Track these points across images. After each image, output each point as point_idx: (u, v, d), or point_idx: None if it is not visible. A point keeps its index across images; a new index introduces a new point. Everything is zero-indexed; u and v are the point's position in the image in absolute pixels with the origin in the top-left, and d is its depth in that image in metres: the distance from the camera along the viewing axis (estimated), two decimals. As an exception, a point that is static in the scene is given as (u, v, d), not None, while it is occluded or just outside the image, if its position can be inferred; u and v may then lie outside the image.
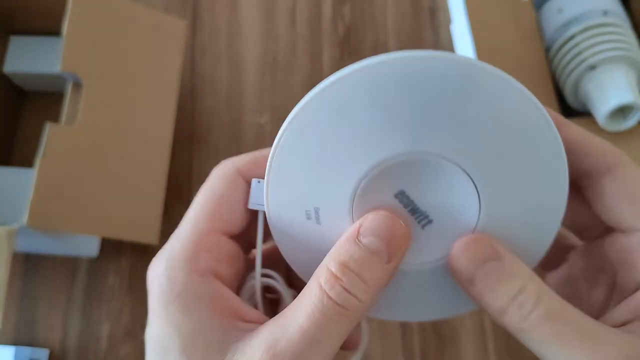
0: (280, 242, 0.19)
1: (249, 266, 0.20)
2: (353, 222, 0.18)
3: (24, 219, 0.35)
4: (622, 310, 0.17)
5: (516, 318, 0.16)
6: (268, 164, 0.18)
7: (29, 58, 0.47)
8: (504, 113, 0.16)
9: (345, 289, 0.16)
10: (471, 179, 0.17)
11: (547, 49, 0.46)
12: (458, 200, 0.17)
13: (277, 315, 0.17)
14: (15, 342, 0.42)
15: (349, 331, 0.17)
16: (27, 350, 0.41)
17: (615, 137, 0.42)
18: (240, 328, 0.17)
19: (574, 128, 0.18)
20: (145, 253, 0.45)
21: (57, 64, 0.39)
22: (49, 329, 0.43)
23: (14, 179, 0.43)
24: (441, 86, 0.16)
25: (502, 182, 0.17)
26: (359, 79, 0.16)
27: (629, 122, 0.41)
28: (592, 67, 0.41)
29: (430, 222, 0.18)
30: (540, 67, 0.44)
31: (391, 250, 0.17)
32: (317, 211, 0.18)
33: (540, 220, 0.18)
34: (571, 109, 0.45)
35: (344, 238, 0.17)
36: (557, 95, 0.44)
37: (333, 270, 0.16)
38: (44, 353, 0.42)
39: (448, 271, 0.18)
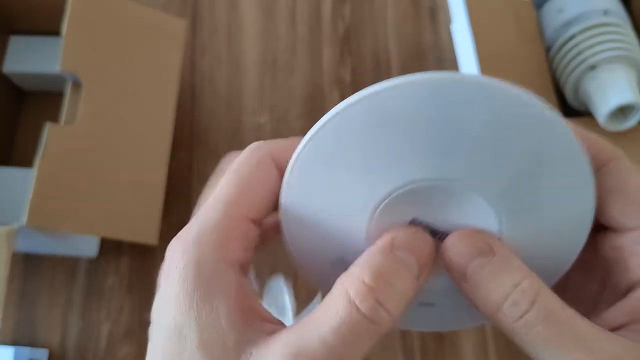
0: (291, 242, 0.19)
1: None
2: (367, 237, 0.18)
3: (24, 219, 0.35)
4: (617, 314, 0.17)
5: (510, 317, 0.15)
6: (290, 164, 0.18)
7: (29, 58, 0.47)
8: (526, 139, 0.16)
9: (378, 301, 0.15)
10: (490, 205, 0.17)
11: (548, 49, 0.46)
12: (476, 222, 0.17)
13: (299, 323, 0.16)
14: (14, 342, 0.42)
15: (373, 347, 0.16)
16: (26, 351, 0.41)
17: (616, 137, 0.42)
18: (258, 328, 0.16)
19: (569, 124, 0.18)
20: (145, 253, 0.45)
21: (57, 64, 0.39)
22: (49, 329, 0.43)
23: (13, 179, 0.43)
24: (465, 110, 0.16)
25: (522, 206, 0.17)
26: (409, 92, 0.16)
27: (630, 122, 0.41)
28: (593, 67, 0.41)
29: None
30: (541, 67, 0.44)
31: (421, 265, 0.16)
32: (332, 220, 0.18)
33: (562, 243, 0.18)
34: (571, 109, 0.45)
35: (375, 249, 0.16)
36: (557, 95, 0.44)
37: (366, 280, 0.15)
38: (43, 353, 0.42)
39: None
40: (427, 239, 0.17)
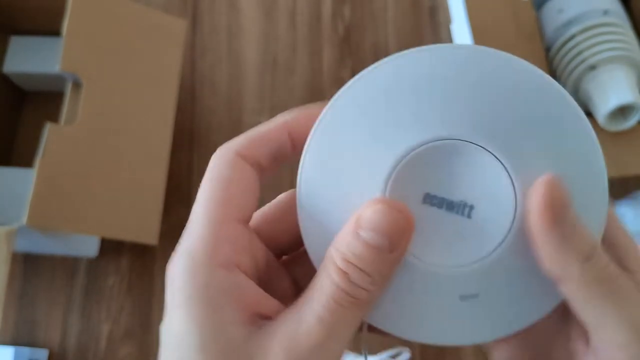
0: (305, 223, 0.18)
1: (274, 262, 0.20)
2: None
3: (24, 219, 0.35)
4: None
5: (601, 264, 0.16)
6: (307, 142, 0.18)
7: (29, 58, 0.47)
8: (534, 100, 0.17)
9: (352, 282, 0.16)
10: (500, 162, 0.17)
11: (547, 49, 0.46)
12: (492, 184, 0.17)
13: (291, 307, 0.17)
14: (14, 342, 0.42)
15: (363, 316, 0.17)
16: (26, 351, 0.41)
17: (615, 137, 0.42)
18: (260, 324, 0.17)
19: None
20: (145, 253, 0.45)
21: (57, 64, 0.39)
22: (49, 329, 0.43)
23: (13, 179, 0.43)
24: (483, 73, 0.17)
25: (534, 167, 0.17)
26: (408, 64, 0.17)
27: (629, 122, 0.41)
28: (593, 67, 0.41)
29: (472, 208, 0.17)
30: (541, 67, 0.44)
31: (393, 240, 0.16)
32: (350, 189, 0.18)
33: (583, 207, 0.17)
34: (571, 109, 0.45)
35: (345, 229, 0.17)
36: (557, 95, 0.44)
37: (338, 264, 0.16)
38: (43, 353, 0.42)
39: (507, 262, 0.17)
40: (399, 211, 0.17)
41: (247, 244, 0.18)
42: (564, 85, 0.44)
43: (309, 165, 0.18)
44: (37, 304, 0.44)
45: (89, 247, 0.44)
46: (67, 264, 0.45)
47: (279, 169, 0.20)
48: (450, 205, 0.17)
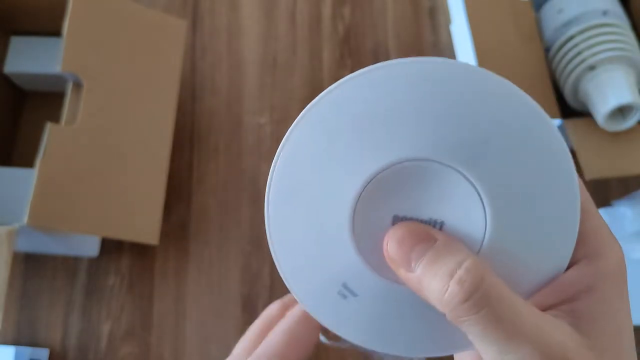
0: (280, 262, 0.19)
1: None
2: (356, 248, 0.17)
3: (24, 218, 0.35)
4: (545, 293, 0.17)
5: (457, 297, 0.15)
6: (267, 184, 0.18)
7: (30, 58, 0.47)
8: (512, 123, 0.16)
9: None
10: (476, 190, 0.16)
11: (547, 49, 0.46)
12: (459, 199, 0.17)
13: None
14: (15, 342, 0.42)
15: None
16: (27, 350, 0.41)
17: (615, 137, 0.42)
18: None
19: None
20: (145, 253, 0.45)
21: (58, 64, 0.39)
22: (49, 328, 0.43)
23: (14, 179, 0.43)
24: (451, 89, 0.16)
25: (509, 199, 0.17)
26: (363, 85, 0.16)
27: (629, 122, 0.41)
28: (592, 68, 0.41)
29: (442, 223, 0.17)
30: (540, 68, 0.44)
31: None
32: (318, 220, 0.18)
33: (551, 236, 0.17)
34: (571, 109, 0.45)
35: None
36: (556, 95, 0.44)
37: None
38: (44, 353, 0.42)
39: None
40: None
41: None
42: (564, 86, 0.44)
43: (274, 201, 0.18)
44: (38, 303, 0.44)
45: (89, 247, 0.44)
46: (68, 264, 0.45)
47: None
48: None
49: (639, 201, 0.46)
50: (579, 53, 0.42)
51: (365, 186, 0.17)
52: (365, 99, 0.16)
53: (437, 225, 0.17)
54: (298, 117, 0.17)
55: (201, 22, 0.54)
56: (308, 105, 0.17)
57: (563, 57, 0.43)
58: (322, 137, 0.17)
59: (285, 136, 0.17)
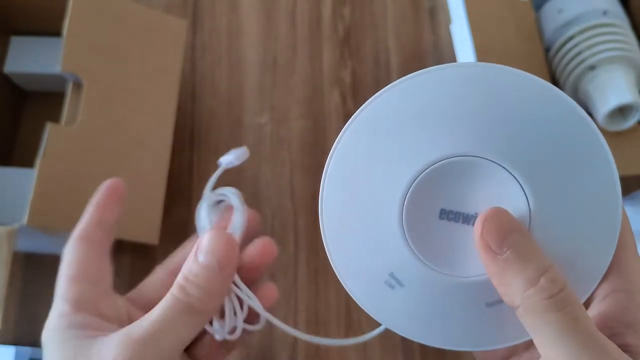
0: (331, 251, 0.19)
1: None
2: (405, 242, 0.18)
3: (24, 218, 0.35)
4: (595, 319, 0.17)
5: (544, 293, 0.15)
6: (323, 176, 0.19)
7: (30, 58, 0.47)
8: (554, 124, 0.17)
9: (187, 293, 0.22)
10: (522, 188, 0.17)
11: (547, 49, 0.46)
12: (503, 195, 0.17)
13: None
14: (15, 342, 0.42)
15: (199, 323, 0.22)
16: (27, 350, 0.41)
17: (615, 137, 0.42)
18: (103, 329, 0.23)
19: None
20: (145, 253, 0.45)
21: (58, 64, 0.39)
22: (49, 328, 0.43)
23: (14, 179, 0.43)
24: (518, 100, 0.17)
25: (556, 212, 0.17)
26: (415, 86, 0.17)
27: (629, 122, 0.41)
28: (592, 68, 0.41)
29: None
30: (540, 68, 0.44)
31: (220, 263, 0.22)
32: (369, 212, 0.18)
33: (591, 243, 0.17)
34: (571, 109, 0.45)
35: (189, 255, 0.23)
36: (556, 95, 0.44)
37: (179, 281, 0.22)
38: (44, 353, 0.42)
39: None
40: (225, 239, 0.23)
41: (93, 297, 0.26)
42: (564, 86, 0.44)
43: (329, 190, 0.19)
44: (38, 303, 0.44)
45: (89, 247, 0.44)
46: (68, 264, 0.45)
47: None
48: (466, 218, 0.18)
49: (639, 201, 0.46)
50: (579, 53, 0.42)
51: (416, 179, 0.17)
52: (421, 97, 0.17)
53: (482, 209, 0.18)
54: (356, 112, 0.18)
55: (201, 22, 0.54)
56: (365, 102, 0.18)
57: (563, 57, 0.43)
58: (377, 131, 0.18)
59: (342, 130, 0.18)
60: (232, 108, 0.51)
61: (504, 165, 0.17)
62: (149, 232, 0.40)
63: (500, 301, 0.18)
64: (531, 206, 0.17)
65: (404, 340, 0.43)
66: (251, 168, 0.48)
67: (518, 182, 0.17)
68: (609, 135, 0.42)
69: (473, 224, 0.18)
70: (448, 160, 0.17)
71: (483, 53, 0.43)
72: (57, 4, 0.43)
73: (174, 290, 0.22)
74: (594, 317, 0.17)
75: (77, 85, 0.40)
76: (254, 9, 0.55)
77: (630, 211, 0.45)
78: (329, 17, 0.55)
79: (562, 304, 0.15)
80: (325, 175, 0.19)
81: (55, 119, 0.40)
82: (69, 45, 0.39)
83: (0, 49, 0.47)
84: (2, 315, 0.33)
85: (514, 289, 0.16)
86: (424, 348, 0.43)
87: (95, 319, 0.24)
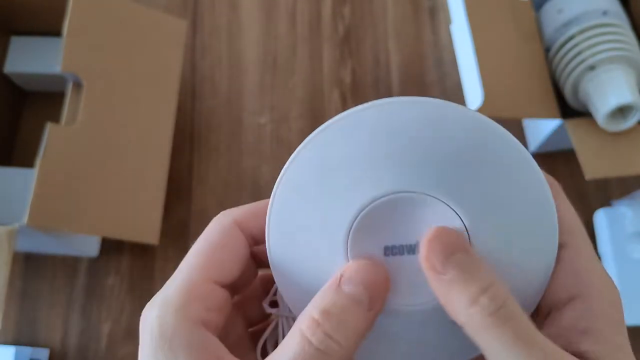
0: (280, 284, 0.19)
1: (234, 310, 0.21)
2: (346, 261, 0.18)
3: (24, 218, 0.35)
4: (550, 330, 0.17)
5: (485, 311, 0.16)
6: (268, 209, 0.18)
7: (30, 58, 0.47)
8: (505, 170, 0.17)
9: (327, 334, 0.16)
10: (457, 215, 0.17)
11: (547, 49, 0.46)
12: (441, 222, 0.18)
13: None
14: (15, 342, 0.42)
15: None
16: (27, 350, 0.41)
17: (615, 137, 0.42)
18: None
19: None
20: (145, 253, 0.45)
21: (58, 64, 0.39)
22: (49, 328, 0.43)
23: (14, 179, 0.43)
24: (446, 133, 0.17)
25: (493, 232, 0.18)
26: (348, 126, 0.17)
27: (629, 122, 0.41)
28: (592, 68, 0.41)
29: None
30: (540, 67, 0.44)
31: (372, 297, 0.17)
32: (315, 255, 0.18)
33: (530, 264, 0.18)
34: (571, 109, 0.45)
35: (326, 286, 0.18)
36: (557, 95, 0.44)
37: (315, 316, 0.17)
38: (44, 353, 0.42)
39: (442, 313, 0.18)
40: (379, 269, 0.18)
41: (219, 304, 0.19)
42: (564, 86, 0.44)
43: (274, 230, 0.19)
44: (38, 303, 0.44)
45: (89, 247, 0.44)
46: (68, 264, 0.45)
47: None
48: (410, 249, 0.18)
49: (639, 201, 0.46)
50: (579, 53, 0.42)
51: (353, 224, 0.18)
52: (349, 141, 0.17)
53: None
54: (291, 156, 0.18)
55: (201, 22, 0.54)
56: (298, 147, 0.18)
57: (563, 57, 0.43)
58: (313, 178, 0.18)
59: (280, 175, 0.18)
60: (232, 108, 0.51)
61: (433, 195, 0.17)
62: (149, 232, 0.40)
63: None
64: (467, 227, 0.17)
65: None
66: (251, 168, 0.48)
67: (451, 208, 0.17)
68: (609, 135, 0.42)
69: (418, 252, 0.18)
70: (378, 201, 0.17)
71: (483, 53, 0.43)
72: (57, 4, 0.43)
73: (305, 330, 0.17)
74: (552, 327, 0.18)
75: (77, 85, 0.40)
76: (254, 9, 0.55)
77: (630, 211, 0.45)
78: (329, 17, 0.55)
79: (501, 320, 0.15)
80: (269, 217, 0.19)
81: (55, 119, 0.40)
82: (69, 45, 0.39)
83: (0, 49, 0.47)
84: (2, 315, 0.33)
85: (457, 307, 0.16)
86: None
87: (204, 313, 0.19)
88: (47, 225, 0.36)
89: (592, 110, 0.42)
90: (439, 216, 0.17)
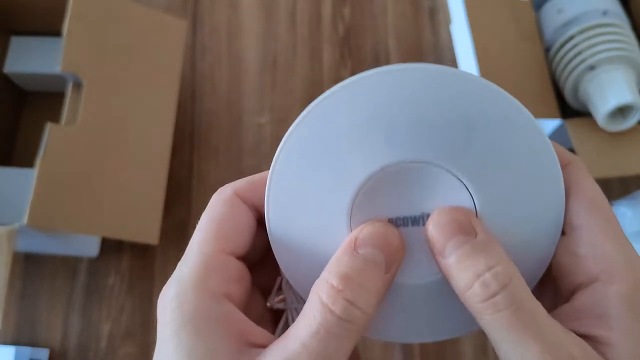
0: (281, 257, 0.19)
1: (253, 286, 0.20)
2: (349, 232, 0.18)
3: (24, 218, 0.35)
4: (560, 318, 0.17)
5: (478, 297, 0.15)
6: (268, 180, 0.18)
7: (30, 58, 0.47)
8: (499, 125, 0.17)
9: (348, 300, 0.16)
10: (464, 185, 0.17)
11: (547, 49, 0.46)
12: (445, 191, 0.17)
13: (281, 337, 0.17)
14: (15, 342, 0.42)
15: (353, 346, 0.16)
16: (27, 350, 0.41)
17: (615, 137, 0.42)
18: (249, 354, 0.16)
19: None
20: (145, 253, 0.45)
21: (58, 64, 0.39)
22: (49, 328, 0.43)
23: (14, 179, 0.43)
24: (450, 100, 0.16)
25: (495, 190, 0.17)
26: (351, 94, 0.17)
27: (629, 122, 0.41)
28: (592, 67, 0.41)
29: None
30: (540, 67, 0.44)
31: (388, 259, 0.17)
32: (317, 227, 0.18)
33: (537, 229, 0.18)
34: (571, 109, 0.45)
35: (341, 251, 0.17)
36: (557, 95, 0.44)
37: (334, 283, 0.16)
38: (44, 353, 0.42)
39: (446, 286, 0.17)
40: (393, 231, 0.17)
41: (236, 276, 0.18)
42: (564, 86, 0.44)
43: (273, 205, 0.18)
44: (38, 303, 0.44)
45: (89, 247, 0.44)
46: (68, 264, 0.45)
47: None
48: (415, 220, 0.18)
49: (639, 201, 0.46)
50: (579, 53, 0.42)
51: (357, 195, 0.17)
52: (351, 111, 0.17)
53: (429, 210, 0.18)
54: (291, 127, 0.18)
55: (201, 22, 0.54)
56: (298, 117, 0.17)
57: (563, 57, 0.43)
58: (314, 149, 0.17)
59: (280, 145, 0.18)
60: (232, 108, 0.51)
61: (441, 165, 0.17)
62: (149, 232, 0.40)
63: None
64: (475, 200, 0.17)
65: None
66: (251, 168, 0.48)
67: (456, 177, 0.17)
68: (609, 135, 0.42)
69: (423, 224, 0.18)
70: (380, 173, 0.17)
71: (483, 53, 0.43)
72: (57, 4, 0.43)
73: (327, 300, 0.16)
74: (569, 310, 0.17)
75: (77, 85, 0.40)
76: (254, 9, 0.55)
77: (630, 211, 0.45)
78: (329, 17, 0.55)
79: (501, 305, 0.15)
80: (268, 189, 0.18)
81: (55, 119, 0.40)
82: (69, 45, 0.39)
83: (0, 49, 0.47)
84: (2, 315, 0.33)
85: (457, 290, 0.16)
86: (424, 348, 0.43)
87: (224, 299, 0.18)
88: (47, 225, 0.36)
89: (592, 110, 0.42)
90: (444, 186, 0.17)
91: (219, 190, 0.19)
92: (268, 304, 0.21)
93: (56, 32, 0.41)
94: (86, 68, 0.40)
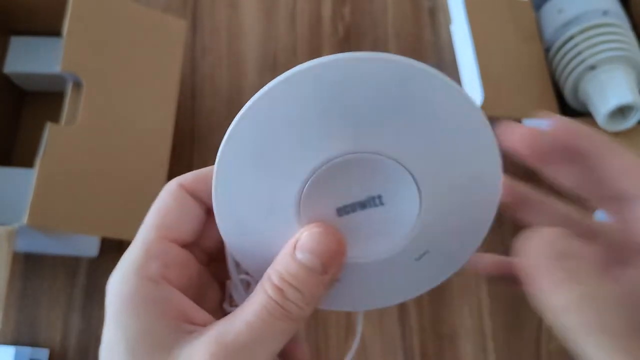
0: (232, 248, 0.20)
1: (205, 274, 0.22)
2: (299, 227, 0.19)
3: (24, 219, 0.35)
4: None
5: (583, 317, 0.16)
6: (214, 174, 0.19)
7: (29, 58, 0.47)
8: (437, 109, 0.17)
9: (287, 298, 0.18)
10: (409, 172, 0.18)
11: (547, 49, 0.46)
12: (398, 190, 0.18)
13: (223, 318, 0.18)
14: (15, 342, 0.42)
15: (293, 331, 0.18)
16: (27, 350, 0.41)
17: (615, 137, 0.42)
18: (188, 330, 0.18)
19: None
20: (145, 253, 0.45)
21: (58, 64, 0.39)
22: (49, 328, 0.43)
23: (14, 179, 0.43)
24: (377, 86, 0.17)
25: (438, 173, 0.18)
26: (297, 83, 0.17)
27: (629, 122, 0.41)
28: (592, 67, 0.41)
29: (380, 196, 0.19)
30: (540, 67, 0.44)
31: (326, 263, 0.18)
32: (266, 221, 0.19)
33: (477, 206, 0.19)
34: (571, 109, 0.45)
35: (283, 252, 0.19)
36: (557, 95, 0.44)
37: (275, 281, 0.18)
38: (44, 353, 0.42)
39: (394, 262, 0.19)
40: (331, 235, 0.18)
41: (177, 261, 0.20)
42: (564, 86, 0.44)
43: (221, 204, 0.19)
44: (38, 303, 0.44)
45: (89, 246, 0.44)
46: (68, 264, 0.45)
47: None
48: (362, 205, 0.19)
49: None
50: (579, 53, 0.42)
51: (303, 188, 0.18)
52: (292, 104, 0.17)
53: (377, 199, 0.19)
54: (234, 120, 0.18)
55: (201, 22, 0.54)
56: (241, 110, 0.18)
57: (563, 57, 0.43)
58: (259, 142, 0.18)
59: (225, 137, 0.18)
60: (232, 108, 0.51)
61: (379, 153, 0.18)
62: (149, 232, 0.40)
63: (427, 252, 0.19)
64: (415, 176, 0.18)
65: (404, 339, 0.43)
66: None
67: (396, 160, 0.18)
68: (609, 135, 0.42)
69: (370, 206, 0.18)
70: (326, 165, 0.18)
71: (483, 53, 0.43)
72: (57, 4, 0.42)
73: (269, 291, 0.18)
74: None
75: (77, 85, 0.40)
76: (254, 9, 0.55)
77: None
78: (329, 17, 0.55)
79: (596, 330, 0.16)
80: (215, 182, 0.19)
81: (55, 119, 0.40)
82: (69, 45, 0.39)
83: (0, 49, 0.47)
84: (2, 315, 0.33)
85: (559, 304, 0.17)
86: (424, 348, 0.43)
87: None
88: (47, 225, 0.36)
89: (592, 110, 0.42)
90: (385, 169, 0.18)
91: (167, 183, 0.21)
92: (224, 308, 0.22)
93: (56, 32, 0.41)
94: (86, 68, 0.40)
